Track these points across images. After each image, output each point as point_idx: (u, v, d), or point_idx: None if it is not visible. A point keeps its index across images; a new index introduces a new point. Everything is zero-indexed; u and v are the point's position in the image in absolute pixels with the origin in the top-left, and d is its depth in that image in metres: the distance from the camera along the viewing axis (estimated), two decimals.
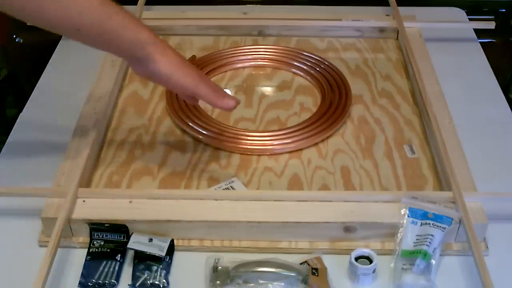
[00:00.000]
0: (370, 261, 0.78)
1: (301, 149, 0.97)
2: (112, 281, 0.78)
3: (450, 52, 1.19)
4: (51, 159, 0.93)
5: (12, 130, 1.03)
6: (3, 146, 1.00)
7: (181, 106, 1.02)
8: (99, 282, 0.78)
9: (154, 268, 0.79)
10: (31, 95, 1.11)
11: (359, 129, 1.01)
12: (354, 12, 1.28)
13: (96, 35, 0.77)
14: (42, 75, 1.15)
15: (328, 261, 0.80)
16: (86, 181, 0.90)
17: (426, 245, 0.78)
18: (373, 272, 0.77)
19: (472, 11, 1.38)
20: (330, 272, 0.78)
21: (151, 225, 0.82)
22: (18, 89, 1.54)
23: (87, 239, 0.82)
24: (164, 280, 0.78)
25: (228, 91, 1.09)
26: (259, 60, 1.16)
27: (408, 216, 0.80)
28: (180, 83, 0.81)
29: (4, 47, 1.48)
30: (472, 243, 0.77)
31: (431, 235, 0.79)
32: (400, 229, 0.80)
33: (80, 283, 0.78)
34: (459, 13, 1.32)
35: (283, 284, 0.76)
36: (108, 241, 0.81)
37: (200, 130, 0.98)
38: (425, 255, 0.77)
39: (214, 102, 0.83)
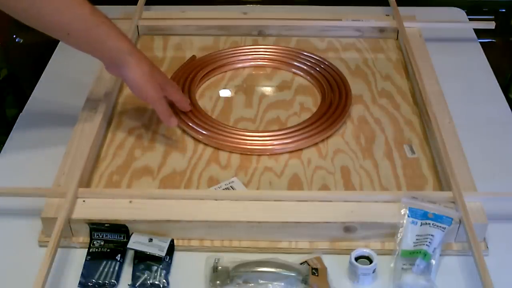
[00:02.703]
0: (370, 261, 0.78)
1: (301, 149, 0.97)
2: (112, 281, 0.78)
3: (450, 52, 1.19)
4: (51, 159, 0.93)
5: (12, 130, 1.03)
6: (3, 146, 1.00)
7: None
8: (99, 282, 0.78)
9: (154, 268, 0.79)
10: (31, 95, 1.11)
11: (359, 129, 1.01)
12: (354, 12, 1.28)
13: (83, 41, 0.89)
14: (42, 75, 1.15)
15: (328, 261, 0.80)
16: (86, 181, 0.90)
17: (426, 245, 0.78)
18: (373, 272, 0.77)
19: (472, 11, 1.38)
20: (330, 272, 0.78)
21: (151, 225, 0.82)
22: (18, 89, 1.54)
23: (87, 239, 0.82)
24: (164, 280, 0.78)
25: (228, 91, 1.10)
26: (259, 60, 1.16)
27: (408, 216, 0.81)
28: (144, 94, 0.93)
29: (4, 47, 1.48)
30: (472, 243, 0.77)
31: (431, 235, 0.79)
32: (400, 229, 0.80)
33: (80, 283, 0.78)
34: (459, 13, 1.32)
35: (283, 284, 0.76)
36: (108, 241, 0.81)
37: (200, 130, 0.98)
38: (425, 255, 0.77)
39: (162, 119, 0.96)
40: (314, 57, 1.14)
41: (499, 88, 1.11)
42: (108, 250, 0.81)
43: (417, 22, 1.21)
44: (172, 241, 0.81)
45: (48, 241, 0.78)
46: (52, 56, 1.20)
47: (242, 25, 1.22)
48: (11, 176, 0.94)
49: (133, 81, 0.92)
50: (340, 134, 1.00)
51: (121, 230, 0.81)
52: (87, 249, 0.81)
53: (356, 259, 0.78)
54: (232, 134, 0.98)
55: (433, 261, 0.77)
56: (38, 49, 1.32)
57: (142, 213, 0.82)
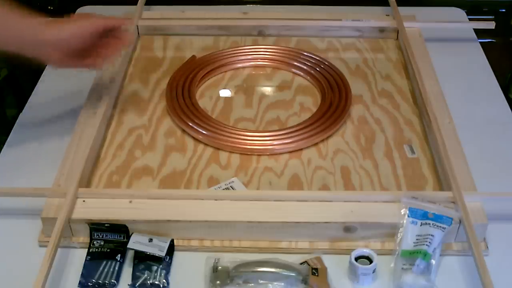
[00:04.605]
0: (370, 261, 0.78)
1: (301, 149, 0.97)
2: (112, 281, 0.78)
3: (450, 52, 1.19)
4: (51, 159, 0.93)
5: (12, 130, 1.03)
6: (3, 146, 1.00)
7: (181, 106, 1.02)
8: (99, 282, 0.78)
9: (154, 268, 0.79)
10: (31, 95, 1.11)
11: (359, 129, 1.01)
12: (354, 12, 1.28)
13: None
14: (42, 75, 1.15)
15: (328, 261, 0.80)
16: (86, 181, 0.90)
17: (426, 245, 0.78)
18: (373, 272, 0.77)
19: (472, 11, 1.38)
20: (330, 272, 0.78)
21: (151, 225, 0.82)
22: (18, 89, 1.54)
23: (87, 239, 0.82)
24: (164, 280, 0.78)
25: (228, 91, 1.10)
26: (259, 60, 1.16)
27: (408, 216, 0.81)
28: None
29: None
30: (472, 243, 0.77)
31: (431, 235, 0.79)
32: (400, 229, 0.80)
33: (80, 283, 0.78)
34: (459, 13, 1.32)
35: (283, 284, 0.76)
36: (108, 241, 0.81)
37: (200, 130, 0.98)
38: (425, 255, 0.77)
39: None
40: (314, 57, 1.14)
41: (499, 88, 1.11)
42: (108, 250, 0.81)
43: (417, 22, 1.21)
44: (172, 241, 0.81)
45: (48, 241, 0.78)
46: None
47: (242, 25, 1.22)
48: (11, 176, 0.94)
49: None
50: (340, 134, 1.00)
51: (121, 230, 0.81)
52: (87, 249, 0.81)
53: (356, 259, 0.78)
54: (232, 134, 0.98)
55: (433, 261, 0.77)
56: None
57: (142, 213, 0.82)
